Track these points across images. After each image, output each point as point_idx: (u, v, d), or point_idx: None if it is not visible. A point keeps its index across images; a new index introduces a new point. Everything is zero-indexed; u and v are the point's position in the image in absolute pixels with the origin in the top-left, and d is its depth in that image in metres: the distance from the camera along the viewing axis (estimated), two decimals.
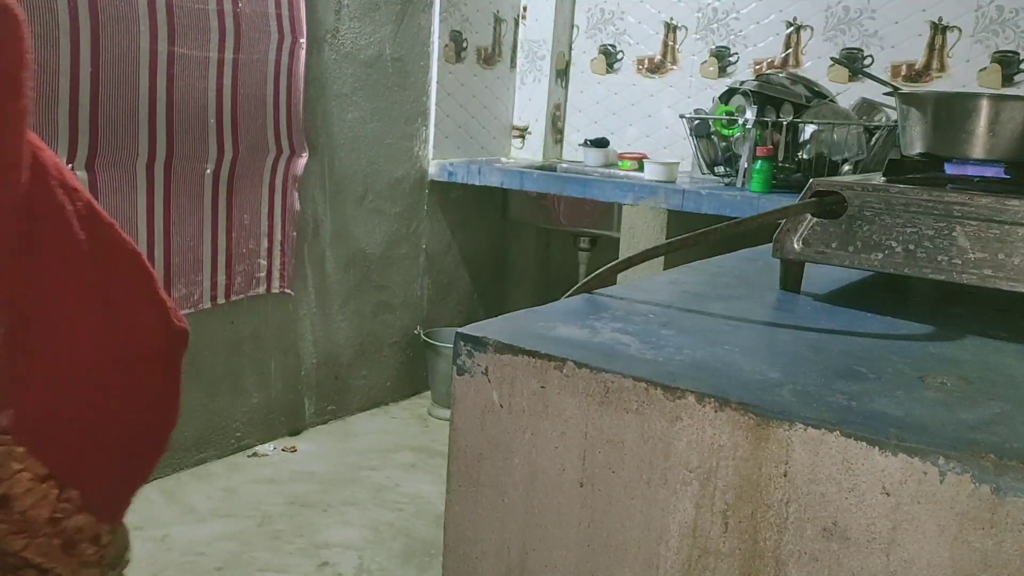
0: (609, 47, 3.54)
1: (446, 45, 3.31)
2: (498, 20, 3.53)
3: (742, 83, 2.89)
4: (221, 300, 2.64)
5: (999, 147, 0.93)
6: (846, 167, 2.71)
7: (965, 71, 2.82)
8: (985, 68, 2.79)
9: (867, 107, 2.85)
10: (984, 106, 0.93)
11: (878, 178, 0.97)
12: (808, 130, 2.73)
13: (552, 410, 0.67)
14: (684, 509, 0.62)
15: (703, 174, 2.99)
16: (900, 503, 0.54)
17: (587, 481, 0.66)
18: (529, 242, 3.75)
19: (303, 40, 2.73)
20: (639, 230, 2.79)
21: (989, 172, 0.95)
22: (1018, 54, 2.75)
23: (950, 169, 0.99)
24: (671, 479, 0.62)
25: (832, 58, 3.01)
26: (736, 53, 3.25)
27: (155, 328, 0.88)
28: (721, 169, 2.92)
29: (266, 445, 2.90)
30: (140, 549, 1.59)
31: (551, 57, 3.57)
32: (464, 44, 3.39)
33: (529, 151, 3.67)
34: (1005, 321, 0.87)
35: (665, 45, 3.40)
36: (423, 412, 3.32)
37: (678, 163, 2.98)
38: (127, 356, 0.86)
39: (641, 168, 3.12)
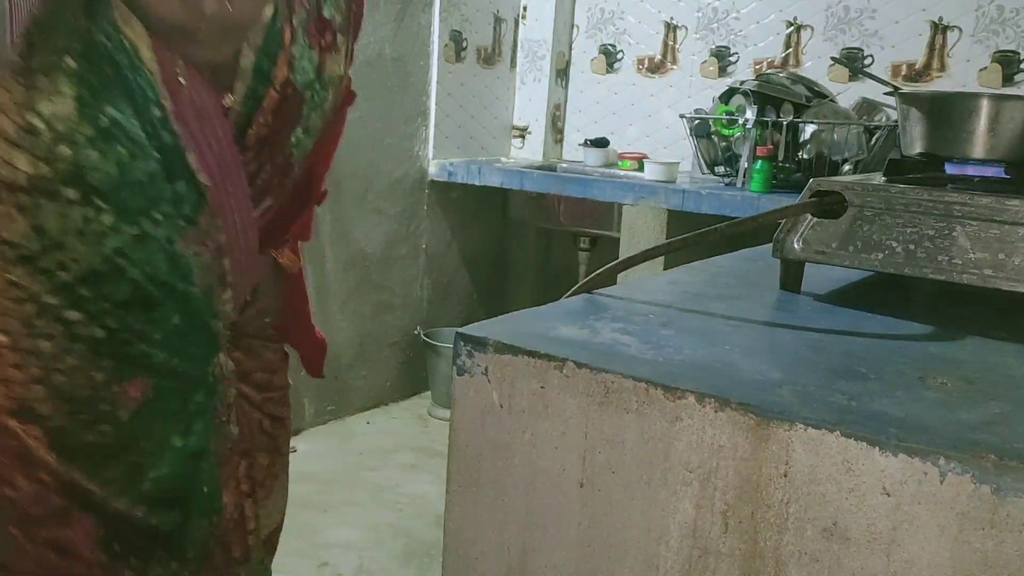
0: (609, 47, 3.54)
1: (446, 45, 3.31)
2: (498, 20, 3.53)
3: (742, 83, 2.89)
4: None
5: (999, 147, 0.93)
6: (846, 167, 2.71)
7: (965, 71, 2.82)
8: (985, 68, 2.79)
9: (867, 107, 2.85)
10: (984, 106, 0.93)
11: (878, 178, 0.97)
12: (808, 130, 2.73)
13: (552, 410, 0.67)
14: (684, 509, 0.62)
15: (703, 174, 2.98)
16: (900, 503, 0.54)
17: (587, 481, 0.66)
18: (529, 242, 3.75)
19: None
20: (639, 230, 2.79)
21: (989, 172, 0.95)
22: (1018, 54, 2.75)
23: (950, 169, 0.99)
24: (671, 479, 0.62)
25: (832, 58, 3.01)
26: (736, 53, 3.25)
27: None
28: (721, 169, 2.92)
29: None
30: None
31: (551, 57, 3.57)
32: (464, 44, 3.39)
33: (529, 151, 3.67)
34: (1005, 321, 0.87)
35: (665, 45, 3.40)
36: (423, 412, 3.32)
37: (678, 163, 2.98)
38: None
39: (641, 168, 3.12)
